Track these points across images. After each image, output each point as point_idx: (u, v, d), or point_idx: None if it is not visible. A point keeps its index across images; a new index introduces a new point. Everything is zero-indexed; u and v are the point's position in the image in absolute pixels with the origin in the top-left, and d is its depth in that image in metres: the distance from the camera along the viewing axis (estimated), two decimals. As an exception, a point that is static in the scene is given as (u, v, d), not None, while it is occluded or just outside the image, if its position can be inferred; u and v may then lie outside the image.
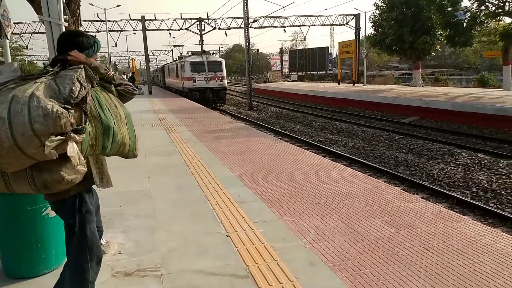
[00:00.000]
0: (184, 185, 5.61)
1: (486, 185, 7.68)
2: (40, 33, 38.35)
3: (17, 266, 3.00)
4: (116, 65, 70.10)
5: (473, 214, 6.40)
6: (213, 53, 28.26)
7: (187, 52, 30.90)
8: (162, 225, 4.11)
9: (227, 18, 38.18)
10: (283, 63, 67.31)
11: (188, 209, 4.60)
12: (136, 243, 3.69)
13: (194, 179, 5.86)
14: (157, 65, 77.95)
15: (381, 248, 3.46)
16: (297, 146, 9.97)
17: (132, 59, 49.90)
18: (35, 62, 72.00)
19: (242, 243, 3.62)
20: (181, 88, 28.86)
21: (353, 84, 34.52)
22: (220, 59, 28.31)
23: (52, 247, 3.02)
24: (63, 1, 3.42)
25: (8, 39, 9.61)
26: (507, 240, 3.57)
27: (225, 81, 27.09)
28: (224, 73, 26.93)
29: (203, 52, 28.37)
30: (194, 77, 25.97)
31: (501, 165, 8.94)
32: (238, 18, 37.65)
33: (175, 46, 56.41)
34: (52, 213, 2.95)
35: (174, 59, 43.97)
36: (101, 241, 3.42)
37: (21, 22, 36.70)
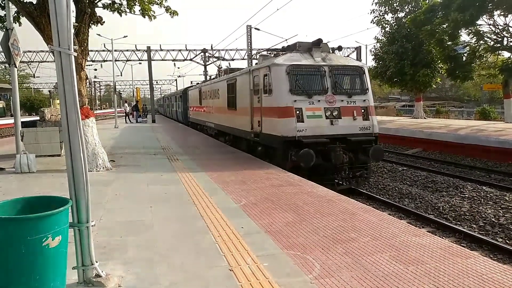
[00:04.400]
0: (186, 215, 5.51)
1: (493, 219, 7.54)
2: (47, 61, 39.21)
3: (13, 299, 2.87)
4: (121, 93, 71.13)
5: (481, 249, 6.24)
6: (338, 48, 11.43)
7: (269, 53, 13.97)
8: (163, 257, 4.00)
9: (231, 50, 39.08)
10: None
11: (190, 240, 4.50)
12: (136, 276, 3.57)
13: (196, 210, 5.77)
14: (161, 94, 78.80)
15: (389, 285, 3.33)
16: (300, 176, 9.89)
17: (136, 88, 50.62)
18: (41, 89, 73.22)
19: (246, 278, 3.51)
20: (248, 134, 12.04)
21: (355, 115, 34.69)
22: (360, 63, 11.79)
23: (51, 279, 2.92)
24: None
25: (16, 67, 9.84)
26: (520, 278, 3.45)
27: (375, 119, 10.46)
28: (371, 98, 10.68)
29: (315, 44, 10.81)
30: (300, 109, 9.77)
31: (507, 198, 8.81)
32: (241, 49, 38.52)
33: (179, 76, 57.42)
34: (53, 244, 2.88)
35: (200, 80, 25.81)
36: (101, 273, 3.33)
37: (29, 51, 37.61)
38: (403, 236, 4.56)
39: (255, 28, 32.16)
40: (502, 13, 19.58)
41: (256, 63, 13.11)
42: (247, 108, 11.86)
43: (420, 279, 3.44)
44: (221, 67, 24.06)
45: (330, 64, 10.25)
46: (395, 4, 28.03)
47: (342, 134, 9.73)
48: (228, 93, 14.44)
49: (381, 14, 28.75)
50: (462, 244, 6.27)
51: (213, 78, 20.65)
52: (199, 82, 25.51)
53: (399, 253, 4.04)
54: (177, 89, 59.52)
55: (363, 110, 10.10)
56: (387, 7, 28.34)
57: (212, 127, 18.33)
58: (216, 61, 38.21)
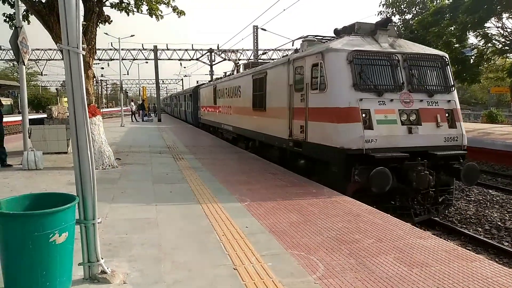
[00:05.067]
0: (191, 214, 5.54)
1: (499, 223, 7.49)
2: (55, 59, 39.53)
3: (20, 293, 2.90)
4: (127, 92, 71.45)
5: (487, 253, 6.20)
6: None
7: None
8: (168, 255, 4.03)
9: (237, 50, 39.11)
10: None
11: (195, 239, 4.52)
12: (141, 273, 3.60)
13: (201, 208, 5.79)
14: (167, 93, 79.02)
15: (393, 287, 3.33)
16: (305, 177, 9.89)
17: (143, 87, 50.84)
18: (48, 87, 73.80)
19: (250, 277, 3.52)
20: (284, 142, 9.67)
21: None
22: (441, 52, 8.96)
23: (57, 275, 2.96)
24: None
25: (24, 65, 9.94)
26: (525, 282, 3.43)
27: (463, 126, 8.03)
28: (457, 98, 8.26)
29: (381, 26, 8.41)
30: (367, 111, 7.34)
31: (513, 202, 8.75)
32: (247, 50, 38.56)
33: (185, 75, 57.56)
34: (59, 240, 2.91)
35: (206, 80, 25.23)
36: (107, 270, 3.36)
37: (38, 49, 37.93)
38: (408, 238, 4.55)
39: (262, 29, 32.15)
40: (511, 16, 19.43)
41: (295, 51, 10.06)
42: (283, 109, 9.51)
43: (425, 281, 3.43)
44: (238, 62, 21.80)
45: (403, 52, 7.91)
46: (402, 6, 27.94)
47: (424, 147, 7.40)
48: (254, 90, 12.06)
49: (388, 15, 28.65)
50: (467, 248, 6.23)
51: (230, 74, 18.39)
52: (210, 80, 22.90)
53: (404, 255, 4.03)
54: (183, 88, 59.53)
55: (447, 114, 7.74)
56: (394, 9, 28.25)
57: (229, 131, 16.00)
58: (222, 61, 38.24)
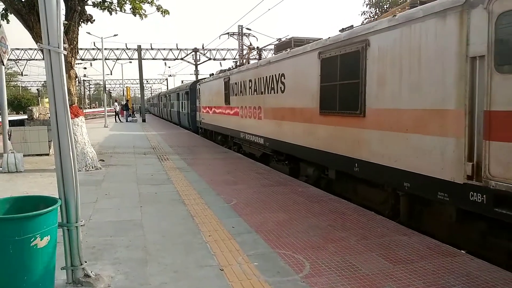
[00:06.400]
0: (177, 215, 5.50)
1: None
2: (36, 59, 38.69)
3: (0, 299, 2.83)
4: (111, 92, 70.48)
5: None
6: None
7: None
8: (153, 257, 3.99)
9: (222, 49, 38.99)
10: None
11: (181, 240, 4.49)
12: (126, 276, 3.55)
13: (187, 209, 5.76)
14: (151, 93, 78.13)
15: (378, 284, 3.37)
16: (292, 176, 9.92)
17: (126, 87, 50.25)
18: (29, 88, 72.21)
19: (236, 277, 3.51)
20: (432, 189, 4.50)
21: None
22: None
23: (39, 280, 2.89)
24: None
25: (4, 65, 9.69)
26: (506, 276, 3.51)
27: None
28: None
29: None
30: None
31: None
32: (233, 49, 38.46)
33: (170, 75, 57.11)
34: (41, 244, 2.85)
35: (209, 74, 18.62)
36: (91, 273, 3.31)
37: (17, 49, 37.05)
38: (392, 235, 4.62)
39: (247, 28, 32.07)
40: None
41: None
42: (441, 114, 4.54)
43: (408, 277, 3.48)
44: (253, 46, 16.80)
45: None
46: (385, 6, 28.34)
47: None
48: (325, 79, 7.04)
49: (371, 15, 29.04)
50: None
51: (240, 65, 13.99)
52: (212, 74, 17.42)
53: (388, 252, 4.08)
54: (167, 88, 58.84)
55: None
56: (378, 9, 28.65)
57: (257, 143, 11.00)
58: (207, 60, 38.05)
